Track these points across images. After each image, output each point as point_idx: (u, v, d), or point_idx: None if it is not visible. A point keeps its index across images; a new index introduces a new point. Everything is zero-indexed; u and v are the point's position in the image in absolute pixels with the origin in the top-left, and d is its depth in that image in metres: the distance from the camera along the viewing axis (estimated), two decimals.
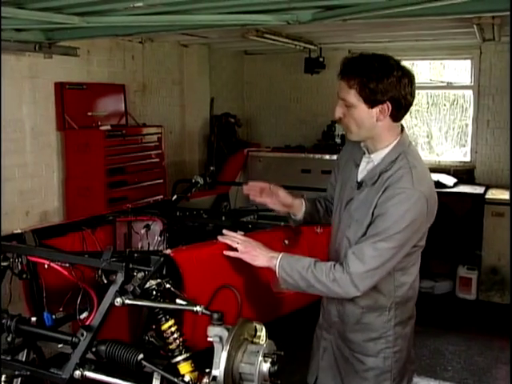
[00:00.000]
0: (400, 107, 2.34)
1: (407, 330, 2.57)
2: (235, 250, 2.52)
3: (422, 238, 2.43)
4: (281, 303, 2.98)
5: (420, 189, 2.28)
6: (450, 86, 7.31)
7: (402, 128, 2.46)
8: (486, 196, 6.32)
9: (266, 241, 2.79)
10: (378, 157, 2.41)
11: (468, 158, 7.21)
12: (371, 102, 2.31)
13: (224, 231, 2.60)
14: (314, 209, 2.81)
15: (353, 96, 2.32)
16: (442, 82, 7.38)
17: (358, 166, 2.50)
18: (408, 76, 2.33)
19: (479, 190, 6.60)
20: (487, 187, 6.66)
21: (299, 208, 2.80)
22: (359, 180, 2.46)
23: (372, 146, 2.43)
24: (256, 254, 2.46)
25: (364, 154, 2.48)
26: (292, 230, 3.06)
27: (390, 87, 2.28)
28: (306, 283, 2.35)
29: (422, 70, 7.59)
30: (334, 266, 2.33)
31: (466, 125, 7.30)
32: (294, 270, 2.37)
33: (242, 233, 2.79)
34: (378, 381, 2.53)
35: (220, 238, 2.58)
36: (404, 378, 2.60)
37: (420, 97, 7.52)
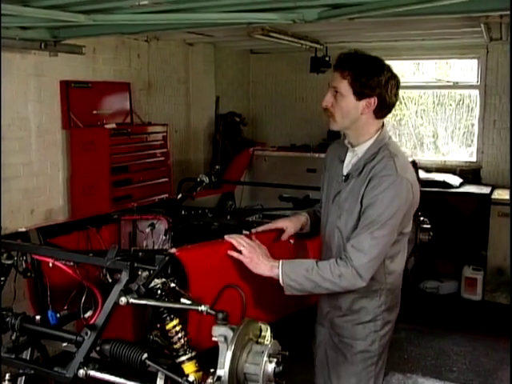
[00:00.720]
0: (384, 105, 2.52)
1: (393, 316, 2.70)
2: (240, 252, 2.55)
3: (407, 224, 2.56)
4: (286, 303, 2.97)
5: (404, 175, 2.43)
6: (456, 85, 7.28)
7: (383, 124, 2.62)
8: (492, 196, 6.29)
9: (272, 240, 2.79)
10: (361, 149, 2.57)
11: (474, 158, 7.18)
12: (360, 95, 2.48)
13: (229, 236, 2.64)
14: (316, 219, 2.91)
15: (344, 85, 2.49)
16: (448, 81, 7.35)
17: (342, 161, 2.67)
18: (395, 79, 2.53)
19: (485, 190, 6.57)
20: (493, 187, 6.63)
21: (306, 223, 2.93)
22: (345, 173, 2.60)
23: (354, 139, 2.59)
24: (258, 262, 2.51)
25: (347, 149, 2.64)
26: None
27: (378, 85, 2.47)
28: (313, 284, 2.43)
29: (428, 69, 7.56)
30: (337, 261, 2.42)
31: (472, 124, 7.27)
32: (299, 274, 2.44)
33: (248, 232, 2.79)
34: (365, 364, 2.65)
35: (226, 237, 2.62)
36: (383, 365, 2.73)
37: (426, 96, 7.50)
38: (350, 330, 2.64)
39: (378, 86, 2.47)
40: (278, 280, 2.46)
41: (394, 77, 2.52)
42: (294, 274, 2.44)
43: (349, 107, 2.51)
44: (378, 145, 2.53)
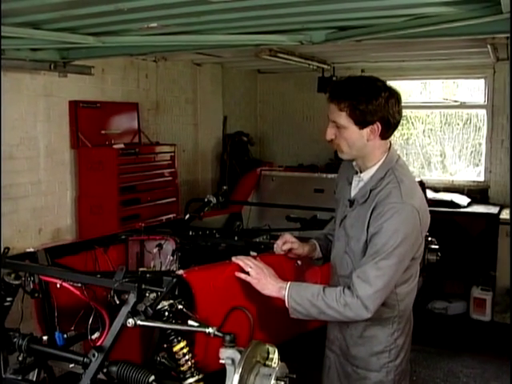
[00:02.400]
0: (389, 126, 2.44)
1: (407, 341, 2.63)
2: (247, 273, 2.53)
3: (418, 249, 2.47)
4: (294, 325, 2.96)
5: (409, 202, 2.35)
6: (463, 105, 7.29)
7: (390, 144, 2.54)
8: (501, 216, 6.26)
9: (279, 261, 2.79)
10: (367, 175, 2.50)
11: (482, 178, 7.16)
12: (361, 124, 2.39)
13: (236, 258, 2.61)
14: (328, 243, 2.84)
15: (344, 118, 2.40)
16: (455, 101, 7.35)
17: (350, 183, 2.59)
18: (395, 96, 2.43)
19: (493, 209, 6.53)
20: (501, 207, 6.59)
21: (314, 249, 2.87)
22: (351, 198, 2.54)
23: (362, 164, 2.52)
24: (265, 283, 2.48)
25: (356, 172, 2.56)
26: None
27: (378, 108, 2.37)
28: (318, 310, 2.38)
29: (435, 88, 7.58)
30: (343, 290, 2.36)
31: (480, 144, 7.26)
32: (304, 298, 2.40)
33: (255, 254, 2.79)
34: None
35: (234, 259, 2.59)
36: None
37: (433, 116, 7.50)
38: (363, 360, 2.57)
39: (378, 110, 2.37)
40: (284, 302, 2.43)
41: (393, 94, 2.42)
42: (300, 298, 2.40)
43: (353, 138, 2.43)
44: (385, 169, 2.45)
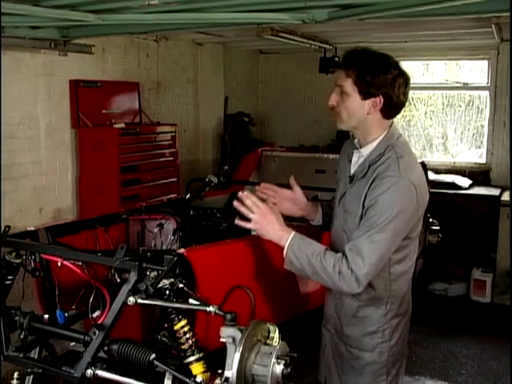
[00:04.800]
0: (391, 105, 2.43)
1: (403, 323, 2.60)
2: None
3: (413, 229, 2.45)
4: (295, 304, 2.96)
5: (407, 176, 2.33)
6: (466, 86, 7.25)
7: (392, 123, 2.53)
8: (502, 198, 6.26)
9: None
10: (366, 151, 2.49)
11: (484, 160, 7.15)
12: (365, 94, 2.40)
13: (243, 194, 2.53)
14: (331, 210, 2.78)
15: (349, 84, 2.41)
16: (457, 82, 7.31)
17: (350, 161, 2.58)
18: (404, 77, 2.44)
19: (495, 191, 6.54)
20: (503, 189, 6.58)
21: (315, 210, 2.83)
22: (351, 174, 2.52)
23: (362, 139, 2.52)
24: (267, 228, 2.43)
25: (356, 148, 2.55)
26: (306, 230, 3.03)
27: (384, 83, 2.38)
28: (312, 269, 2.35)
29: (438, 70, 7.53)
30: (342, 259, 2.32)
31: (482, 126, 7.24)
32: (303, 253, 2.37)
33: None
34: (374, 376, 2.57)
35: (235, 204, 2.52)
36: (399, 371, 2.64)
37: (435, 98, 7.46)
38: (356, 340, 2.55)
39: (383, 85, 2.38)
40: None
41: (402, 74, 2.43)
42: (299, 252, 2.36)
43: (354, 107, 2.43)
44: (385, 145, 2.44)
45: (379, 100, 2.40)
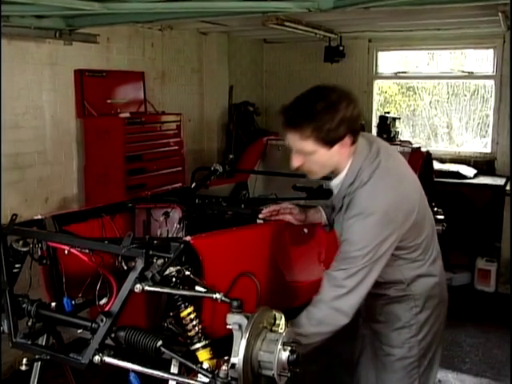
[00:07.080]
0: (356, 132, 2.30)
1: (432, 317, 2.60)
2: None
3: (412, 238, 2.40)
4: (301, 291, 2.97)
5: (372, 207, 2.23)
6: (471, 75, 7.21)
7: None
8: (507, 187, 6.25)
9: (281, 229, 2.79)
10: (337, 180, 2.41)
11: (489, 149, 7.12)
12: (330, 143, 2.26)
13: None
14: (330, 210, 2.75)
15: (310, 145, 2.26)
16: (462, 71, 7.28)
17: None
18: (351, 100, 2.27)
19: (499, 181, 6.52)
20: (508, 179, 6.56)
21: (319, 217, 2.82)
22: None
23: (334, 172, 2.42)
24: None
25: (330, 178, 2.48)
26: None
27: (343, 120, 2.21)
28: (304, 346, 2.23)
29: (443, 59, 7.49)
30: (308, 309, 2.30)
31: (487, 115, 7.21)
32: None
33: (262, 221, 2.79)
34: (406, 370, 2.57)
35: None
36: (432, 360, 2.65)
37: (440, 87, 7.43)
38: (386, 336, 2.58)
39: (343, 123, 2.21)
40: None
41: (348, 98, 2.26)
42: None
43: (324, 159, 2.30)
44: (353, 173, 2.32)
45: (347, 139, 2.27)
